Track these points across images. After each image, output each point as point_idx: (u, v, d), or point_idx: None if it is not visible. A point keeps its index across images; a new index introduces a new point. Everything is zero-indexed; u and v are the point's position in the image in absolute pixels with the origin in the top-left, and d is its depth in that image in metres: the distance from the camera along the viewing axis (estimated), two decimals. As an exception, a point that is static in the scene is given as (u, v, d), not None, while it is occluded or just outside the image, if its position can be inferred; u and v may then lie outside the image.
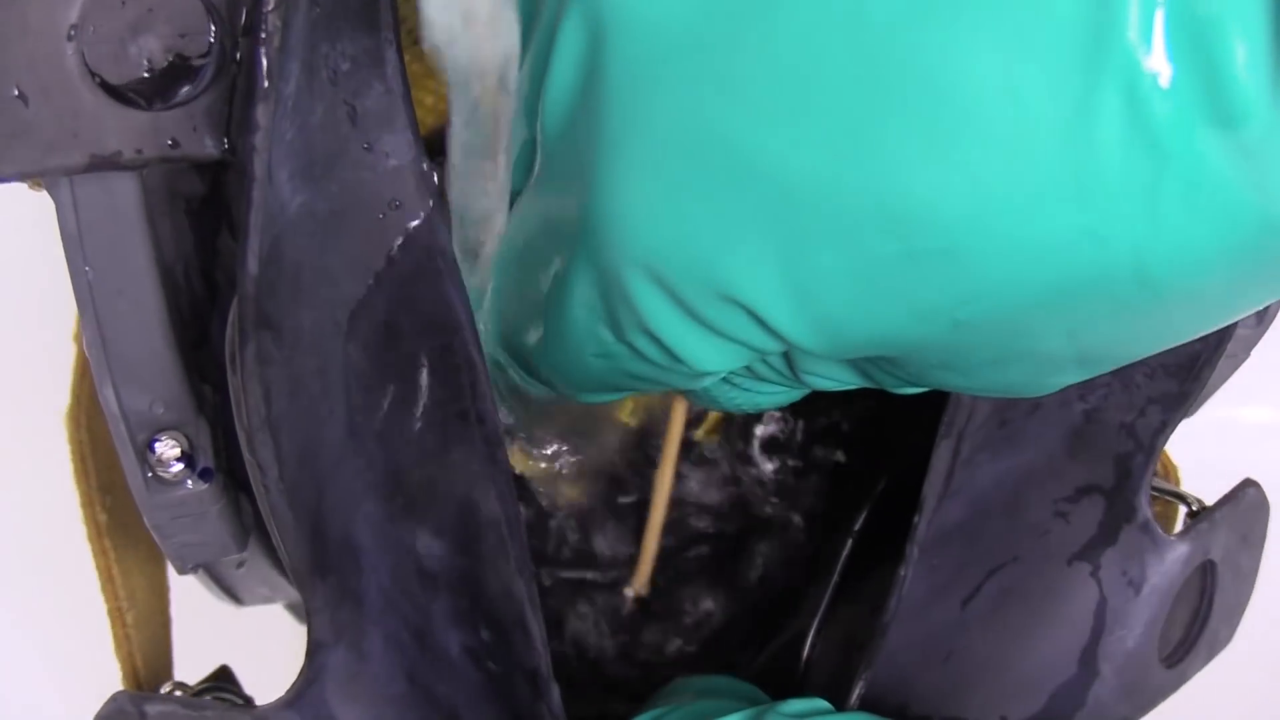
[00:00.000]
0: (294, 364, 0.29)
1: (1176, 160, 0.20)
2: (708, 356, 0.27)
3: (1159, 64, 0.20)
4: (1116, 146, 0.20)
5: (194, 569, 0.35)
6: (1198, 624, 0.42)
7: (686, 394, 0.40)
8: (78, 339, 0.38)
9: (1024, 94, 0.20)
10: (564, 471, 0.51)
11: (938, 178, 0.21)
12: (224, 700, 0.35)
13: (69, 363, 0.38)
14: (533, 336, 0.32)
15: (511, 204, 0.32)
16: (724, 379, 0.33)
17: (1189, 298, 0.23)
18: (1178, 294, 0.23)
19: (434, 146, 0.37)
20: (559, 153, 0.27)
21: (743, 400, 0.34)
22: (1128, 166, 0.21)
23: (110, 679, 0.36)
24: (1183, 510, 0.42)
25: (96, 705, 0.33)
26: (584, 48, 0.25)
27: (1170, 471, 0.45)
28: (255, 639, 0.50)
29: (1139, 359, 0.27)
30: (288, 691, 0.32)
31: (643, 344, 0.28)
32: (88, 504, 0.36)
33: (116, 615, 0.36)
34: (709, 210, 0.24)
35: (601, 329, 0.28)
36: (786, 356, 0.29)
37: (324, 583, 0.31)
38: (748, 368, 0.31)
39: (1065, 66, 0.20)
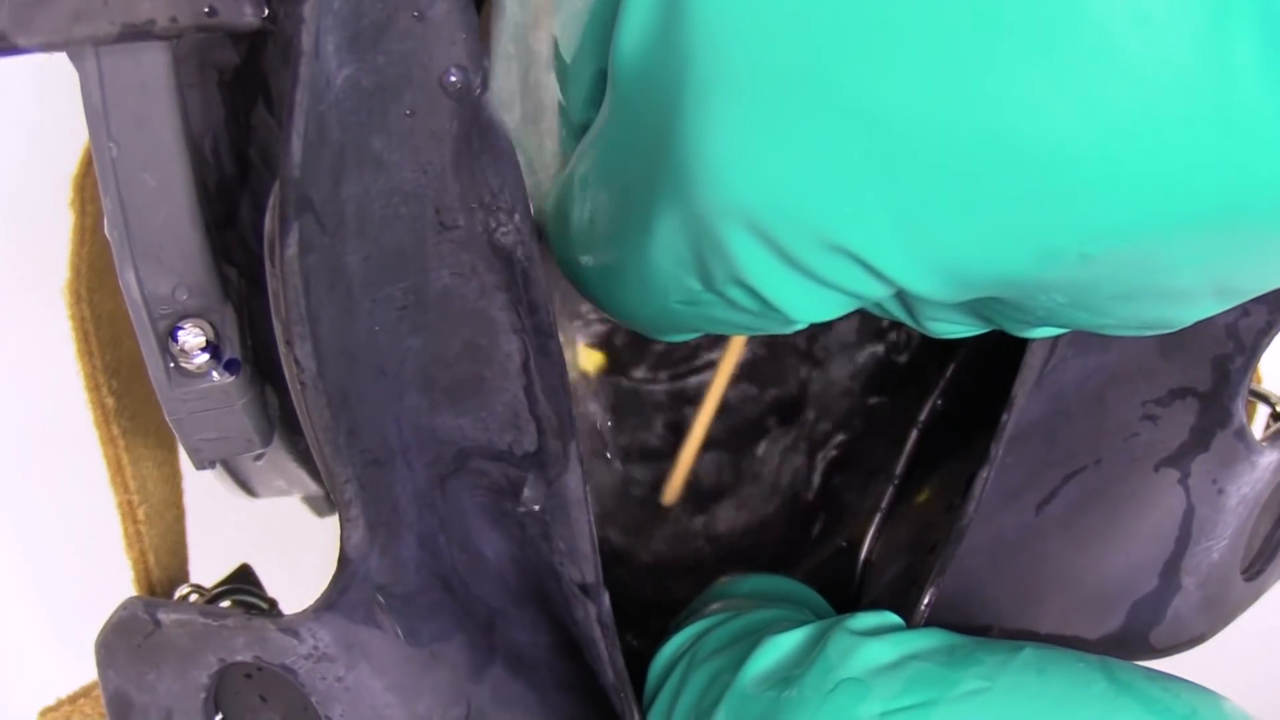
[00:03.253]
0: (336, 251, 0.30)
1: None
2: (809, 306, 0.28)
3: None
4: (1253, 68, 0.21)
5: (212, 464, 0.36)
6: (1279, 533, 0.43)
7: None
8: (73, 204, 0.38)
9: (1152, 16, 0.20)
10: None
11: (1062, 112, 0.21)
12: (245, 604, 0.36)
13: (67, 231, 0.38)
14: (602, 280, 0.33)
15: (572, 138, 0.32)
16: None
17: None
18: None
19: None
20: (637, 91, 0.27)
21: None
22: (1265, 89, 0.21)
23: (122, 581, 0.37)
24: (1263, 411, 0.43)
25: (107, 611, 0.34)
26: None
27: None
28: (275, 531, 0.52)
29: None
30: (318, 599, 0.33)
31: (736, 294, 0.28)
32: (93, 387, 0.37)
33: (127, 510, 0.37)
34: (813, 156, 0.24)
35: (688, 278, 0.29)
36: (901, 300, 0.30)
37: (359, 484, 0.32)
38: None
39: None
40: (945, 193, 0.23)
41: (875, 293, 0.27)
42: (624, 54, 0.27)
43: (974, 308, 0.30)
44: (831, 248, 0.25)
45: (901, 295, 0.29)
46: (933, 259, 0.25)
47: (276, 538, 0.51)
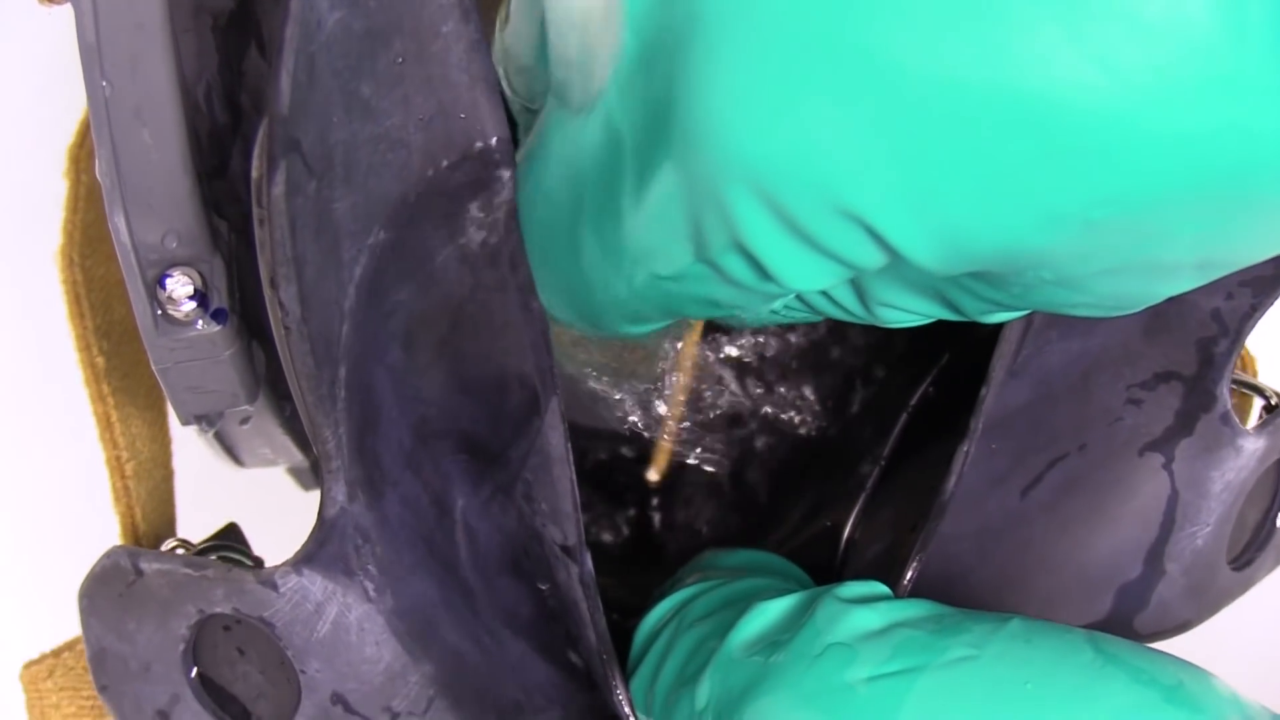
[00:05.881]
0: (323, 197, 0.30)
1: None
2: (803, 275, 0.28)
3: None
4: (1264, 27, 0.21)
5: (198, 420, 0.36)
6: (1268, 524, 0.43)
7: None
8: (68, 174, 0.39)
9: None
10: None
11: (1076, 69, 0.22)
12: (229, 560, 0.36)
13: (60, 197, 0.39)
14: (573, 260, 0.33)
15: (534, 103, 0.32)
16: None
17: None
18: None
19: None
20: (642, 52, 0.27)
21: (774, 320, 0.35)
22: (1275, 50, 0.21)
23: (108, 535, 0.37)
24: (1258, 403, 0.43)
25: (91, 561, 0.34)
26: None
27: (1248, 363, 0.46)
28: (264, 499, 0.52)
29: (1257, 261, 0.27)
30: (298, 552, 0.33)
31: (731, 263, 0.28)
32: (83, 348, 0.37)
33: (115, 465, 0.37)
34: (824, 113, 0.24)
35: (680, 248, 0.29)
36: (856, 285, 0.30)
37: (341, 436, 0.32)
38: (804, 299, 0.32)
39: None
40: (956, 151, 0.23)
41: (871, 261, 0.27)
42: (631, 14, 0.27)
43: (945, 287, 0.30)
44: (837, 211, 0.25)
45: (857, 280, 0.29)
46: (937, 224, 0.25)
47: (267, 507, 0.51)
